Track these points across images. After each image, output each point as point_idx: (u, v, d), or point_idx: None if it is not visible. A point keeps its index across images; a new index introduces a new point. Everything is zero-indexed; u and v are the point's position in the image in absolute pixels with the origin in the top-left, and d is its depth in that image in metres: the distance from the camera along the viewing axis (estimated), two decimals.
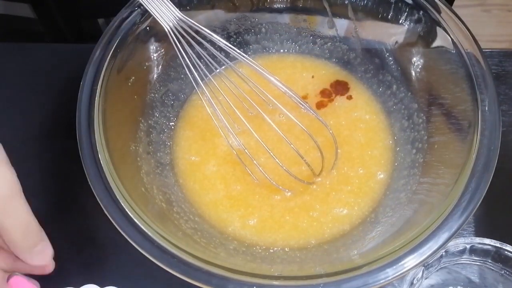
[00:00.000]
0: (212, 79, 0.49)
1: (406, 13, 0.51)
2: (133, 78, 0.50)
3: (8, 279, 0.38)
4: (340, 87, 0.57)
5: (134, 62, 0.50)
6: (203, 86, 0.48)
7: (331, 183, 0.51)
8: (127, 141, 0.48)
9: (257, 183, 0.50)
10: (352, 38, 0.56)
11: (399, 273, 0.36)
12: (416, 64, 0.52)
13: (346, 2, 0.54)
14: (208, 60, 0.48)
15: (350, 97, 0.56)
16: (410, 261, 0.36)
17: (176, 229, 0.44)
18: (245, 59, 0.47)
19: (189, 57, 0.46)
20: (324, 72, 0.58)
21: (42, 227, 0.54)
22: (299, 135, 0.52)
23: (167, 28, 0.47)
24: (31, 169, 0.57)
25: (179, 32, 0.46)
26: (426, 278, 0.47)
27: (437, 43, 0.49)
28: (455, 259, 0.47)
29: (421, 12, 0.49)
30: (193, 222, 0.47)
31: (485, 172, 0.40)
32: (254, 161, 0.49)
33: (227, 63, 0.48)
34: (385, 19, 0.53)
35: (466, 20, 0.47)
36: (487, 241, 0.45)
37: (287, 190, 0.50)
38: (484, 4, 1.46)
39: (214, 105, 0.48)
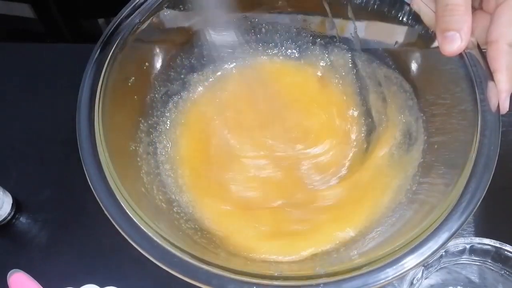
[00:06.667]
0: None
1: (406, 13, 0.51)
2: (133, 78, 0.50)
3: (9, 276, 0.37)
4: None
5: (134, 63, 0.49)
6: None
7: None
8: (127, 142, 0.48)
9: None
10: (351, 39, 0.56)
11: (399, 273, 0.36)
12: (416, 64, 0.52)
13: (346, 3, 0.54)
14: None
15: None
16: (410, 261, 0.36)
17: (176, 229, 0.44)
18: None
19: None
20: None
21: (42, 227, 0.54)
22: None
23: None
24: (31, 169, 0.57)
25: None
26: (426, 278, 0.47)
27: (437, 43, 0.49)
28: (455, 259, 0.47)
29: None
30: (193, 222, 0.47)
31: (485, 172, 0.39)
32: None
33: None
34: (385, 19, 0.53)
35: None
36: (486, 241, 0.45)
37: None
38: None
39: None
